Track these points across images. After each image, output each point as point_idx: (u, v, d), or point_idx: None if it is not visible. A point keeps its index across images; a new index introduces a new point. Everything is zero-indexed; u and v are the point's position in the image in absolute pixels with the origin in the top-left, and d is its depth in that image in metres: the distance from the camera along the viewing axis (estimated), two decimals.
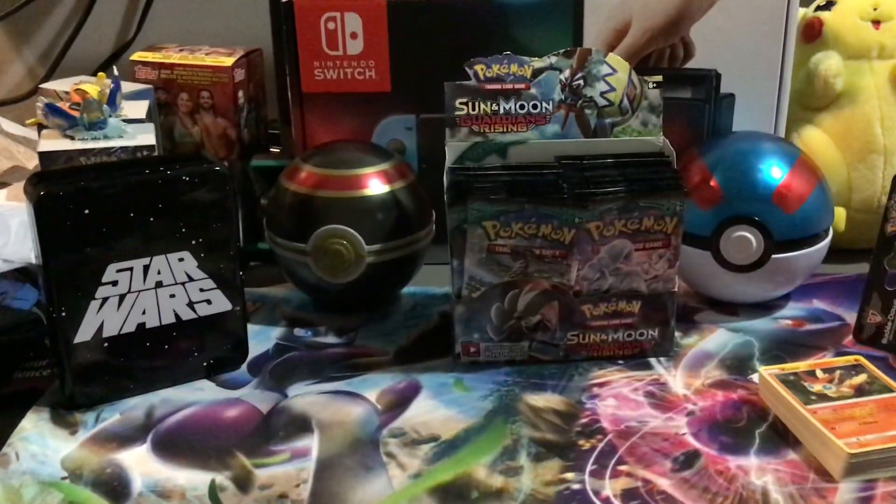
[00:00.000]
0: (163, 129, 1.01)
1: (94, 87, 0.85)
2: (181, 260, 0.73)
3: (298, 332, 0.85)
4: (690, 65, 0.90)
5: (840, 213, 0.90)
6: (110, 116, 0.84)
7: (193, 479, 0.66)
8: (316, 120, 0.92)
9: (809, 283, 0.88)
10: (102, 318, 0.72)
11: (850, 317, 0.83)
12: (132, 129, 0.85)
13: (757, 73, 0.90)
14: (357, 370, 0.79)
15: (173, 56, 1.02)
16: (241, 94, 1.01)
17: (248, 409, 0.74)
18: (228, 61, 1.00)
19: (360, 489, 0.65)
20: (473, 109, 0.78)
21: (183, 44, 1.06)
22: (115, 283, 0.71)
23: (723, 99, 0.90)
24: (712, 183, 0.83)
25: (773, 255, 0.82)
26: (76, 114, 0.83)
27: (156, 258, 0.72)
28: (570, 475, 0.66)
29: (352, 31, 0.89)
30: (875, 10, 0.95)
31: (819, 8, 0.98)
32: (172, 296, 0.74)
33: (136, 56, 1.03)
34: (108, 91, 0.85)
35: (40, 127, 0.87)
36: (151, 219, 0.71)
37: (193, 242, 0.73)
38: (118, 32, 1.22)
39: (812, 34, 0.97)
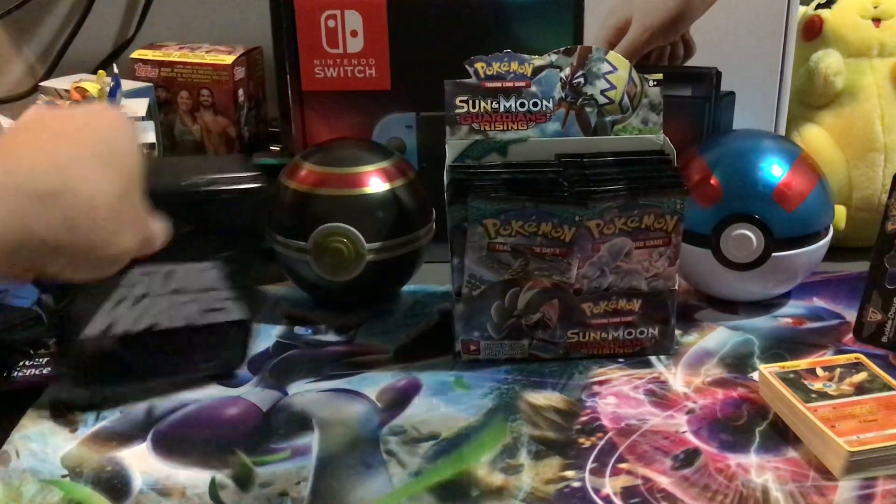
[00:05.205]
0: (163, 126, 1.01)
1: (94, 85, 0.85)
2: (203, 270, 0.73)
3: (298, 330, 0.85)
4: (691, 63, 0.90)
5: (840, 212, 0.90)
6: None
7: (194, 476, 0.66)
8: (316, 118, 0.92)
9: (809, 281, 0.88)
10: (114, 317, 0.71)
11: (851, 315, 0.83)
12: None
13: (757, 72, 0.90)
14: (357, 368, 0.79)
15: (173, 54, 1.02)
16: (241, 92, 1.01)
17: (248, 407, 0.74)
18: (228, 59, 1.00)
19: (361, 487, 0.65)
20: (474, 107, 0.78)
21: (183, 42, 1.07)
22: (134, 285, 0.71)
23: (723, 97, 0.90)
24: (712, 181, 0.83)
25: (774, 254, 0.82)
26: None
27: (180, 266, 0.72)
28: (570, 473, 0.66)
29: (352, 29, 0.89)
30: (875, 7, 0.95)
31: (819, 6, 0.98)
32: (188, 302, 0.73)
33: (137, 54, 1.04)
34: (108, 89, 0.85)
35: None
36: (182, 227, 0.68)
37: (221, 254, 0.73)
38: (118, 30, 1.22)
39: (812, 32, 0.96)
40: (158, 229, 0.60)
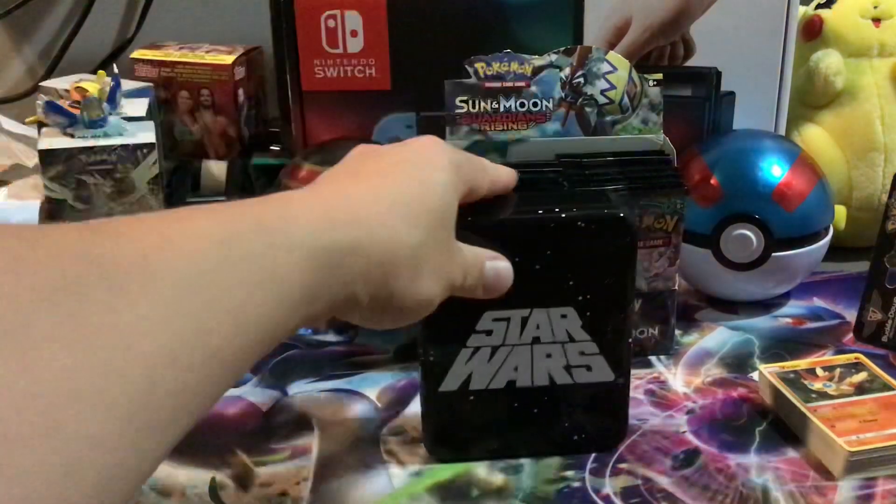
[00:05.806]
0: (163, 127, 1.01)
1: (94, 84, 0.85)
2: (564, 316, 0.64)
3: (298, 330, 0.85)
4: (691, 63, 0.90)
5: (840, 211, 0.90)
6: (110, 114, 0.84)
7: (194, 476, 0.66)
8: (316, 118, 0.92)
9: (810, 281, 0.88)
10: (472, 369, 0.65)
11: (851, 315, 0.83)
12: (132, 127, 0.85)
13: (757, 72, 0.90)
14: (357, 368, 0.79)
15: (173, 54, 1.02)
16: (241, 92, 1.01)
17: (248, 406, 0.74)
18: (229, 59, 1.00)
19: (361, 487, 0.65)
20: (474, 107, 0.78)
21: (183, 42, 1.07)
22: (489, 333, 0.64)
23: (723, 97, 0.90)
24: (712, 181, 0.83)
25: (774, 254, 0.82)
26: (76, 112, 0.83)
27: (536, 311, 0.64)
28: (569, 473, 0.66)
29: (352, 29, 0.89)
30: (875, 7, 0.95)
31: (819, 6, 0.98)
32: (549, 355, 0.65)
33: (137, 54, 1.03)
34: (108, 89, 0.85)
35: (40, 125, 0.87)
36: (537, 266, 0.63)
37: (580, 298, 0.64)
38: (118, 30, 1.22)
39: (812, 32, 0.96)
40: (498, 270, 0.57)
